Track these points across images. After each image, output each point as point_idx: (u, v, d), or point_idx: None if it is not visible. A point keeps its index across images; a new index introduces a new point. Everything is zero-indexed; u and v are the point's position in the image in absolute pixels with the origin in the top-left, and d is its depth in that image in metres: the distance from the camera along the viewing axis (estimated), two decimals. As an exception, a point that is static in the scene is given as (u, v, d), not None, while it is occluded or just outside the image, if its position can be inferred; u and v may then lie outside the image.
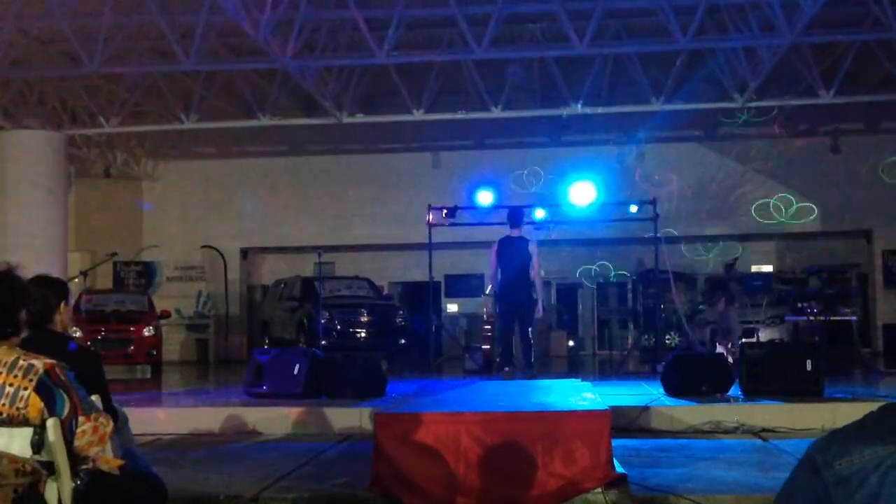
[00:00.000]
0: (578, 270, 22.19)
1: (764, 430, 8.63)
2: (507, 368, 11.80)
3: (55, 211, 18.06)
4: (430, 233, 15.64)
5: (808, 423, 8.52)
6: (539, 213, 15.96)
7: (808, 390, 9.54)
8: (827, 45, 15.79)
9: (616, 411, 7.98)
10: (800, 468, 1.09)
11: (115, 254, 14.57)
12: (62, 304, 4.53)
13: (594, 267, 22.10)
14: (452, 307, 22.75)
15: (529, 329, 11.81)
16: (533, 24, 15.61)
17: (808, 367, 9.62)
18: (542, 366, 13.14)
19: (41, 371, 3.39)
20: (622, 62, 16.77)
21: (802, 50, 15.81)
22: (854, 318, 13.93)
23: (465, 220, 16.25)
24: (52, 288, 4.53)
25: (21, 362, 3.39)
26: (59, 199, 18.32)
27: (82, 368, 3.94)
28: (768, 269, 21.36)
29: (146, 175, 23.09)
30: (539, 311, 11.93)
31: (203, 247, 22.89)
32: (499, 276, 12.01)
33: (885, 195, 20.21)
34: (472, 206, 16.49)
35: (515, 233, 12.15)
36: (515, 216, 12.42)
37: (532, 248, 11.84)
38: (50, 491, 3.40)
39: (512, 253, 11.85)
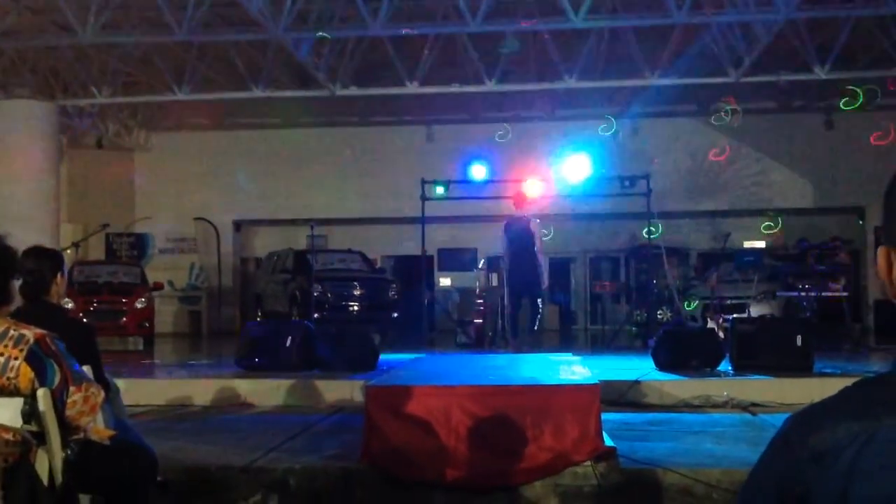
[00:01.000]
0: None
1: (753, 404, 8.68)
2: (512, 341, 12.74)
3: (47, 181, 18.00)
4: (423, 206, 15.63)
5: (798, 399, 8.55)
6: (532, 188, 15.93)
7: (797, 365, 9.59)
8: (822, 20, 15.73)
9: (607, 385, 8.02)
10: (773, 444, 1.09)
11: (106, 225, 14.51)
12: (58, 276, 4.53)
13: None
14: (445, 281, 22.77)
15: (539, 300, 12.77)
16: (528, -4, 15.54)
17: (799, 342, 9.67)
18: (534, 340, 13.35)
19: (32, 341, 3.39)
20: (617, 36, 16.71)
21: (797, 25, 15.76)
22: (846, 293, 13.97)
23: (458, 193, 16.23)
24: (49, 260, 4.53)
25: (12, 332, 3.39)
26: (51, 169, 18.25)
27: (75, 339, 3.94)
28: (760, 244, 21.40)
29: (138, 146, 23.00)
30: (544, 283, 12.74)
31: (196, 219, 22.85)
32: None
33: (879, 172, 20.20)
34: (466, 180, 16.48)
35: (519, 212, 12.95)
36: (519, 196, 13.28)
37: (533, 225, 12.64)
38: (40, 461, 3.42)
39: (516, 231, 12.67)
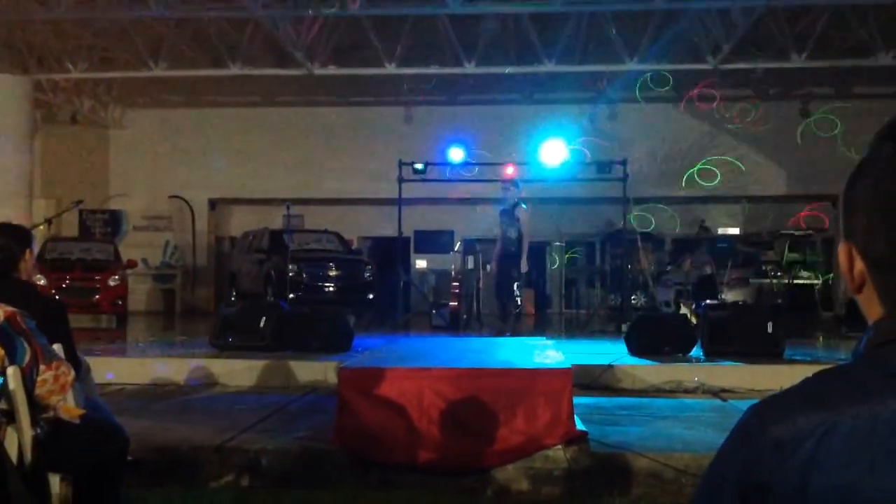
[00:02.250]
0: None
1: (724, 390, 8.77)
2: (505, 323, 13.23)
3: (20, 157, 17.82)
4: (400, 188, 15.62)
5: (768, 385, 8.64)
6: (510, 171, 15.97)
7: (768, 352, 9.68)
8: (800, 9, 15.81)
9: (580, 369, 8.07)
10: (734, 434, 1.09)
11: (80, 201, 14.36)
12: (27, 252, 4.48)
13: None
14: (421, 263, 22.78)
15: (516, 284, 13.16)
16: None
17: (769, 329, 9.76)
18: (505, 324, 13.54)
19: (2, 319, 3.37)
20: (597, 21, 16.71)
21: (776, 13, 15.83)
22: (817, 281, 14.11)
23: (436, 175, 16.22)
24: (16, 235, 4.48)
25: (-19, 310, 3.37)
26: (25, 144, 18.07)
27: (45, 316, 3.91)
28: (734, 231, 21.54)
29: (113, 122, 22.80)
30: (523, 266, 13.06)
31: (171, 196, 22.70)
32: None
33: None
34: (444, 163, 16.47)
35: (511, 199, 13.31)
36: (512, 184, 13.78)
37: (519, 212, 13.07)
38: (10, 439, 3.40)
39: (507, 218, 13.15)
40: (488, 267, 15.93)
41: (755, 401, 1.12)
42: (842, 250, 1.15)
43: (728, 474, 1.07)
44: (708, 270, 17.01)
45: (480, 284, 16.80)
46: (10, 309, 3.43)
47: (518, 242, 13.15)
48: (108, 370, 9.35)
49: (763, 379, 8.85)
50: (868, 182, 1.12)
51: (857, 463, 0.97)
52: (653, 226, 19.44)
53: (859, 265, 1.12)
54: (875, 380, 1.02)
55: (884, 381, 1.01)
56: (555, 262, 23.24)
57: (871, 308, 1.12)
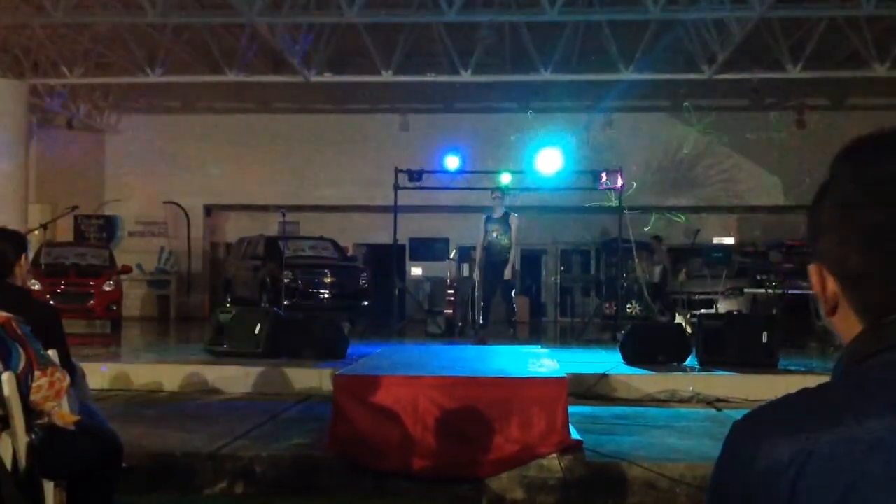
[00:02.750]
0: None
1: (718, 399, 8.77)
2: (479, 330, 13.55)
3: (15, 161, 17.78)
4: (395, 195, 15.62)
5: (762, 395, 8.61)
6: (505, 178, 16.01)
7: (763, 362, 9.69)
8: (795, 19, 15.85)
9: (575, 378, 8.08)
10: (723, 456, 1.09)
11: (75, 207, 14.35)
12: (22, 257, 4.48)
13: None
14: (416, 270, 22.75)
15: (509, 292, 13.61)
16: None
17: (764, 339, 9.77)
18: (500, 331, 13.59)
19: (-3, 325, 3.36)
20: (593, 30, 16.74)
21: (771, 23, 15.87)
22: (812, 291, 14.12)
23: (431, 183, 16.22)
24: (11, 240, 4.48)
25: (-24, 316, 3.36)
26: (20, 149, 18.02)
27: (40, 321, 3.91)
28: (730, 241, 21.58)
29: (109, 128, 22.77)
30: (507, 274, 13.28)
31: (166, 202, 22.67)
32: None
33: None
34: (439, 170, 16.48)
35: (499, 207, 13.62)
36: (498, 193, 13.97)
37: (512, 220, 13.38)
38: (4, 445, 3.39)
39: (498, 225, 13.36)
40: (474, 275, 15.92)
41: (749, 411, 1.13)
42: (813, 273, 1.17)
43: (734, 499, 1.07)
44: (657, 276, 17.15)
45: (476, 292, 16.78)
46: (4, 315, 3.42)
47: (509, 250, 13.31)
48: (103, 375, 9.33)
49: (758, 389, 8.85)
50: (833, 202, 1.13)
51: (837, 488, 0.98)
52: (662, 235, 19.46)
53: (832, 285, 1.13)
54: (854, 399, 1.03)
55: (862, 402, 1.02)
56: (550, 270, 23.25)
57: (848, 327, 1.12)
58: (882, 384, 1.03)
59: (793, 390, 1.11)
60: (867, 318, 1.10)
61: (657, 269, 17.70)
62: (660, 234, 17.81)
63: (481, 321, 13.73)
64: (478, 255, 13.78)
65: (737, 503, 1.06)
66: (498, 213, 13.57)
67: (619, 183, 15.17)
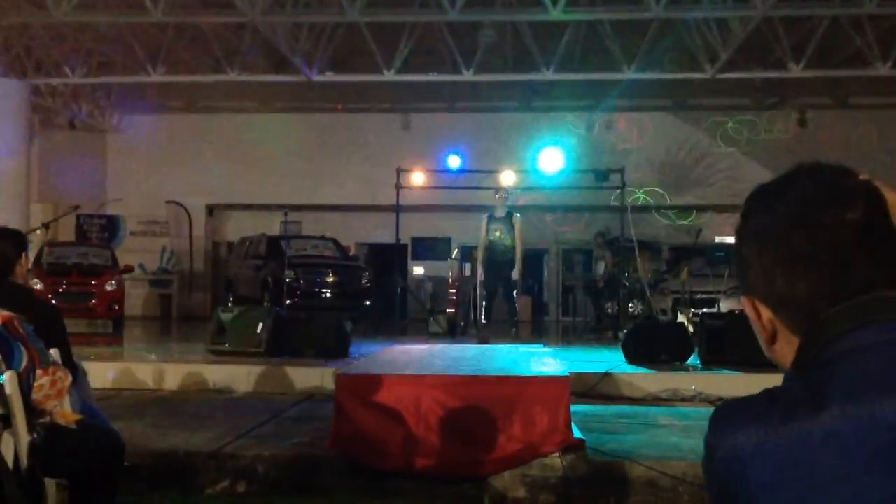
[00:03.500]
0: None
1: (721, 399, 8.73)
2: (480, 327, 13.69)
3: (17, 161, 17.79)
4: (398, 195, 15.62)
5: (764, 394, 8.64)
6: (508, 178, 16.01)
7: (765, 361, 9.40)
8: (798, 18, 15.84)
9: (577, 377, 8.07)
10: (705, 445, 1.17)
11: (77, 206, 14.35)
12: (22, 256, 4.49)
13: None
14: (418, 270, 22.76)
15: (511, 293, 13.61)
16: (507, -13, 15.52)
17: (767, 338, 9.74)
18: (502, 331, 13.61)
19: (-1, 323, 3.36)
20: (595, 29, 16.73)
21: (773, 22, 15.86)
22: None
23: (433, 183, 16.22)
24: (11, 239, 4.49)
25: (-22, 314, 3.36)
26: (22, 149, 18.03)
27: (41, 320, 3.91)
28: (732, 240, 21.54)
29: (111, 127, 22.78)
30: (516, 274, 13.34)
31: (168, 202, 22.68)
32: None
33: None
34: (441, 170, 16.47)
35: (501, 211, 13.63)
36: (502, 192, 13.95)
37: (515, 220, 13.38)
38: (6, 444, 3.39)
39: (501, 225, 13.37)
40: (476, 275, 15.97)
41: None
42: (747, 306, 1.26)
43: (711, 489, 1.15)
44: (601, 271, 17.13)
45: (478, 292, 16.79)
46: (7, 313, 3.42)
47: (513, 250, 13.23)
48: (105, 375, 9.33)
49: (760, 388, 8.72)
50: (751, 236, 1.24)
51: (794, 481, 1.03)
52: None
53: (766, 313, 1.22)
54: (807, 393, 1.08)
55: (815, 394, 1.07)
56: (551, 269, 23.25)
57: (789, 348, 1.20)
58: (832, 375, 1.09)
59: None
60: (802, 330, 1.18)
61: (600, 267, 17.61)
62: (603, 231, 17.71)
63: (483, 321, 13.74)
64: (479, 254, 13.77)
65: (713, 493, 1.14)
66: (500, 213, 13.56)
67: (621, 182, 15.17)
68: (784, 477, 1.04)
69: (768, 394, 1.13)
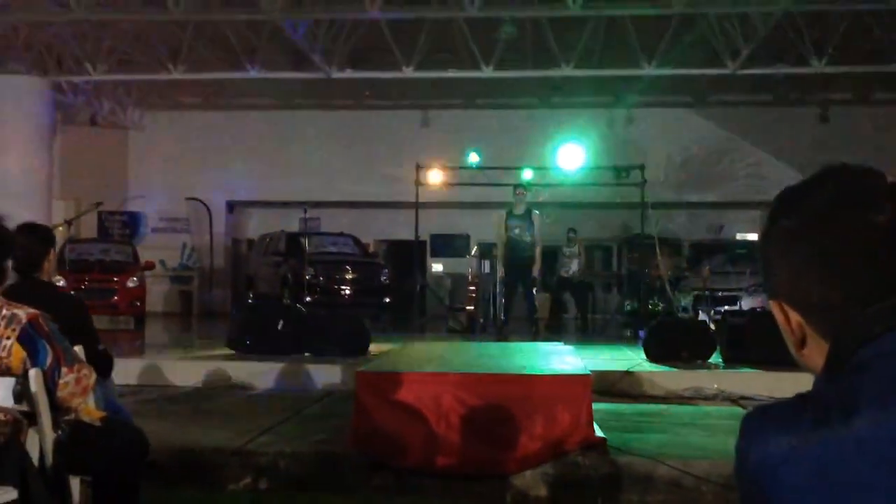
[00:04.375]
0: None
1: (743, 397, 8.71)
2: (499, 324, 13.83)
3: (40, 158, 17.90)
4: (417, 191, 15.62)
5: (787, 392, 8.32)
6: (527, 175, 15.99)
7: (787, 359, 9.38)
8: (819, 13, 15.71)
9: (598, 375, 8.03)
10: (736, 450, 1.16)
11: (100, 203, 14.43)
12: (50, 252, 4.53)
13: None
14: (437, 267, 22.76)
15: (531, 290, 13.68)
16: (527, -17, 15.47)
17: (789, 335, 9.67)
18: (522, 329, 13.62)
19: (25, 321, 3.38)
20: (615, 25, 16.65)
21: (795, 18, 15.74)
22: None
23: (452, 179, 16.21)
24: (39, 236, 4.52)
25: (4, 312, 3.38)
26: (44, 146, 18.14)
27: (69, 317, 3.93)
28: (753, 237, 21.44)
29: (133, 124, 22.88)
30: (536, 272, 13.44)
31: (188, 198, 22.78)
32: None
33: (873, 166, 20.21)
34: (461, 166, 16.45)
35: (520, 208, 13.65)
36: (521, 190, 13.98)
37: (535, 217, 13.40)
38: (31, 441, 3.41)
39: (520, 222, 13.39)
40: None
41: None
42: (775, 310, 1.25)
43: (743, 495, 1.14)
44: (572, 271, 17.12)
45: (497, 289, 16.77)
46: (32, 311, 3.43)
47: (533, 247, 13.25)
48: (127, 371, 9.37)
49: (782, 386, 8.76)
50: (779, 239, 1.22)
51: (826, 489, 1.02)
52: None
53: (795, 317, 1.21)
54: (840, 400, 1.07)
55: (848, 401, 1.05)
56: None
57: (819, 353, 1.18)
58: (862, 380, 1.07)
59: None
60: (833, 337, 1.16)
61: (573, 264, 17.60)
62: (574, 227, 17.70)
63: (503, 318, 13.73)
64: (499, 251, 13.75)
65: (745, 498, 1.12)
66: (519, 210, 13.53)
67: (642, 179, 15.11)
68: (816, 483, 1.03)
69: (799, 399, 1.13)
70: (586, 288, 18.62)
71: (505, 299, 13.90)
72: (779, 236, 1.22)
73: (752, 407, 1.18)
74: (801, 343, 1.21)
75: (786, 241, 1.21)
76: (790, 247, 1.20)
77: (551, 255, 23.03)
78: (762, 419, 1.13)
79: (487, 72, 17.34)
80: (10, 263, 3.57)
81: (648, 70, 16.86)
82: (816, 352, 1.19)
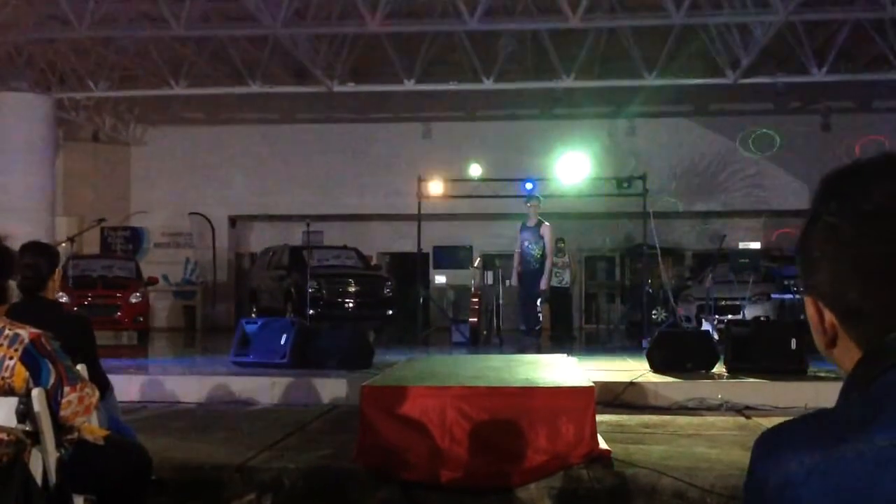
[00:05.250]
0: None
1: (747, 407, 8.69)
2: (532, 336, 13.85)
3: (42, 175, 17.93)
4: (419, 204, 15.63)
5: (792, 402, 8.58)
6: (528, 186, 16.00)
7: (792, 368, 9.59)
8: (820, 22, 15.74)
9: (601, 386, 8.03)
10: (748, 474, 1.12)
11: (103, 220, 14.46)
12: (56, 271, 4.54)
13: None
14: (440, 279, 22.76)
15: (539, 300, 13.76)
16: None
17: (793, 345, 9.66)
18: (525, 340, 13.62)
19: (27, 341, 3.38)
20: (615, 36, 16.69)
21: (795, 27, 15.76)
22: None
23: (454, 191, 16.22)
24: (47, 255, 4.54)
25: (7, 331, 3.38)
26: (47, 162, 18.18)
27: (71, 334, 3.94)
28: (756, 246, 21.43)
29: (135, 140, 22.94)
30: (542, 284, 13.53)
31: (191, 213, 22.80)
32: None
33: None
34: (462, 178, 16.46)
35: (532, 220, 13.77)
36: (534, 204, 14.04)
37: (544, 230, 13.46)
38: (34, 461, 3.40)
39: (530, 235, 13.51)
40: (507, 283, 16.05)
41: (780, 419, 1.18)
42: (809, 306, 1.17)
43: None
44: (566, 281, 17.09)
45: (500, 300, 16.77)
46: (35, 331, 3.44)
47: (542, 260, 13.33)
48: (130, 387, 9.37)
49: (787, 396, 8.78)
50: (823, 237, 1.13)
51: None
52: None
53: (829, 318, 1.14)
54: (862, 417, 1.04)
55: (870, 419, 1.03)
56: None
57: (848, 357, 1.13)
58: (887, 400, 1.04)
59: (822, 397, 1.14)
60: (866, 345, 1.11)
61: (565, 274, 17.58)
62: (562, 237, 17.70)
63: (522, 328, 13.90)
64: (514, 263, 13.89)
65: None
66: (531, 223, 13.64)
67: (644, 189, 15.12)
68: (838, 501, 1.00)
69: (816, 417, 1.09)
70: (568, 297, 18.60)
71: (521, 308, 14.11)
72: (826, 233, 1.13)
73: (764, 429, 1.14)
74: (832, 343, 1.15)
75: (829, 238, 1.12)
76: (838, 248, 1.11)
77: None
78: (778, 440, 1.09)
79: (488, 84, 17.38)
80: (12, 284, 3.57)
81: (649, 80, 16.89)
82: (846, 355, 1.13)
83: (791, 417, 1.12)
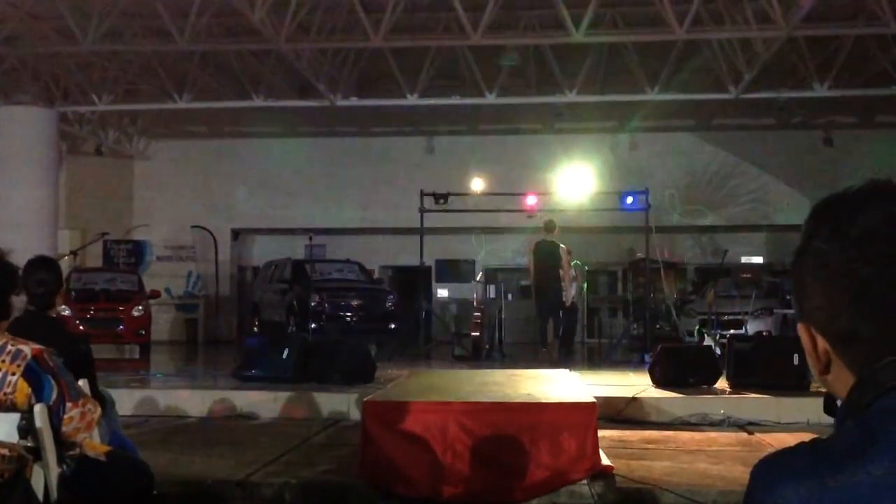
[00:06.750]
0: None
1: (750, 423, 8.67)
2: (543, 349, 14.65)
3: (46, 188, 17.98)
4: (422, 218, 15.64)
5: (794, 417, 8.57)
6: (531, 200, 16.04)
7: (794, 384, 9.56)
8: (822, 38, 15.77)
9: (603, 401, 8.01)
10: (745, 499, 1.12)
11: (106, 233, 14.49)
12: (61, 288, 4.56)
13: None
14: (443, 292, 22.74)
15: (560, 314, 14.48)
16: (529, 10, 15.54)
17: (795, 360, 9.64)
18: (566, 349, 14.59)
19: (29, 357, 3.39)
20: (617, 51, 16.73)
21: (798, 42, 15.80)
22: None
23: (457, 206, 16.22)
24: (55, 272, 4.56)
25: (9, 347, 3.39)
26: (50, 176, 18.23)
27: (72, 353, 3.94)
28: (758, 260, 21.42)
29: (138, 153, 22.98)
30: (567, 301, 14.40)
31: (194, 227, 22.81)
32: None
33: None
34: (465, 192, 16.48)
35: (549, 237, 14.59)
36: (550, 224, 14.90)
37: (562, 251, 14.33)
38: (36, 476, 3.40)
39: (545, 254, 14.27)
40: (510, 296, 16.15)
41: (782, 434, 1.18)
42: (802, 332, 1.18)
43: None
44: (572, 297, 17.06)
45: (502, 314, 16.76)
46: (37, 347, 3.44)
47: (558, 280, 14.31)
48: (132, 401, 9.37)
49: (790, 411, 8.76)
50: (814, 263, 1.15)
51: None
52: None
53: (822, 344, 1.15)
54: (857, 447, 1.04)
55: (865, 448, 1.03)
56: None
57: (842, 383, 1.14)
58: (882, 429, 1.04)
59: (824, 412, 1.14)
60: (858, 371, 1.12)
61: (573, 288, 17.46)
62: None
63: (542, 347, 14.79)
64: (531, 278, 14.81)
65: None
66: (548, 242, 14.43)
67: (646, 203, 15.12)
68: None
69: (812, 446, 1.10)
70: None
71: (540, 324, 14.86)
72: (816, 260, 1.14)
73: (762, 457, 1.14)
74: (826, 369, 1.16)
75: (820, 264, 1.13)
76: (828, 274, 1.12)
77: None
78: (776, 468, 1.10)
79: (491, 98, 17.43)
80: (15, 300, 3.58)
81: (652, 95, 16.93)
82: (840, 381, 1.14)
83: (789, 445, 1.12)
